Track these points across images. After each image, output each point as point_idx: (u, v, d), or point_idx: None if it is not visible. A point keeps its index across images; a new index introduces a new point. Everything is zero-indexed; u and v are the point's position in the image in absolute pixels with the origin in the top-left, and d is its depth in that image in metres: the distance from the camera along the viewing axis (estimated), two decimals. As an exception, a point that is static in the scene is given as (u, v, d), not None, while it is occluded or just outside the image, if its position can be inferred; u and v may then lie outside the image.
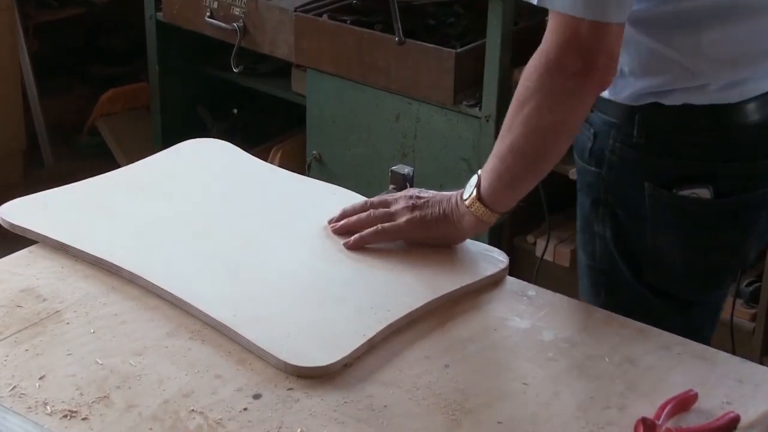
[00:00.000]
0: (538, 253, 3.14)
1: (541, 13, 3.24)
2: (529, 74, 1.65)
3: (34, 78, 4.38)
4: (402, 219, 1.78)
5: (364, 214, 1.81)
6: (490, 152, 3.13)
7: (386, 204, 1.82)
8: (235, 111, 4.22)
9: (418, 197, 1.80)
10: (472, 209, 1.75)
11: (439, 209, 1.78)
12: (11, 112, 4.20)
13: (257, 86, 4.02)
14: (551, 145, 1.69)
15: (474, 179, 1.76)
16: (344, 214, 1.83)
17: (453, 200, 1.78)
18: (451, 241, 1.81)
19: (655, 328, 1.64)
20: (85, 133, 4.51)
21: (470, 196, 1.75)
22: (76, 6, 4.70)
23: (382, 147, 3.41)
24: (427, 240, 1.79)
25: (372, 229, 1.79)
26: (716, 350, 1.60)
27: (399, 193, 1.84)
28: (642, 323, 1.65)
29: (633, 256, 1.87)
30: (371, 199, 1.85)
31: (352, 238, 1.79)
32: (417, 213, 1.78)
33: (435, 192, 1.81)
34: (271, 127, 4.17)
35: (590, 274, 1.94)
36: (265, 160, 3.42)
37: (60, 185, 1.94)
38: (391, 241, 1.79)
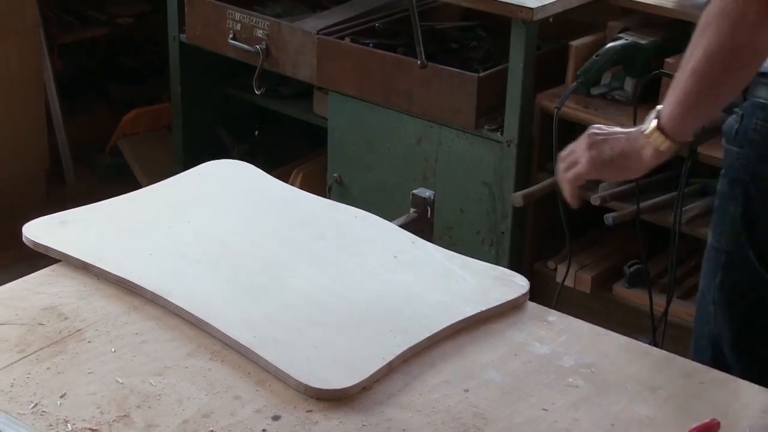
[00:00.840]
0: (559, 278, 3.13)
1: (565, 38, 3.24)
2: (713, 0, 1.65)
3: (58, 98, 4.39)
4: (582, 162, 1.84)
5: (560, 170, 1.89)
6: (512, 177, 3.16)
7: (573, 151, 1.87)
8: (257, 133, 4.22)
9: (596, 134, 1.83)
10: (651, 139, 1.76)
11: (616, 145, 1.81)
12: (35, 131, 4.22)
13: (279, 108, 4.02)
14: (731, 70, 1.68)
15: (653, 113, 1.77)
16: None
17: (632, 135, 1.80)
18: (628, 175, 1.85)
19: (678, 357, 1.64)
20: (107, 153, 4.52)
21: (649, 127, 1.76)
22: (100, 26, 4.72)
23: (403, 170, 3.41)
24: (607, 177, 1.90)
25: (565, 183, 1.88)
26: (739, 379, 1.59)
27: (584, 135, 1.87)
28: (666, 351, 1.65)
29: (759, 237, 1.88)
30: (561, 153, 1.91)
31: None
32: (594, 152, 1.82)
33: (616, 128, 1.84)
34: (293, 150, 4.17)
35: (713, 255, 1.96)
36: (287, 181, 3.42)
37: (82, 204, 1.95)
38: (581, 183, 1.87)
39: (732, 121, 1.91)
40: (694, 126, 1.77)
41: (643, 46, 3.00)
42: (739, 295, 1.84)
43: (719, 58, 1.65)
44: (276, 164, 3.94)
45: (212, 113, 4.20)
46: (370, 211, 1.97)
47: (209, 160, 2.14)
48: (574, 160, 1.85)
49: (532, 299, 1.78)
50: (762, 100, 1.84)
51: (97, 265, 1.76)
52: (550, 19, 3.07)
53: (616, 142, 1.81)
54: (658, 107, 1.75)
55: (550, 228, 3.23)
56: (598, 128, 1.85)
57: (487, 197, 3.24)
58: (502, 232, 3.24)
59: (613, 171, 1.84)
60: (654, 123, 1.75)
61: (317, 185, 3.66)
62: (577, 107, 3.06)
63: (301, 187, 2.10)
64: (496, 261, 3.18)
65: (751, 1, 1.59)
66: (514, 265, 3.18)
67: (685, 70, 1.69)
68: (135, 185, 2.05)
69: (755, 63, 1.68)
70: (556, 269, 3.21)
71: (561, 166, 1.88)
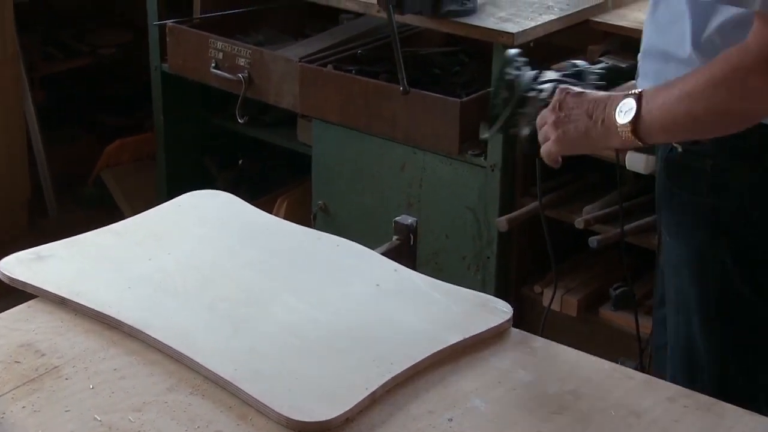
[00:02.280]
0: (545, 303, 3.12)
1: (546, 62, 3.24)
2: (730, 63, 1.63)
3: (41, 129, 4.38)
4: (551, 139, 1.84)
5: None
6: (497, 201, 3.14)
7: (543, 124, 1.87)
8: (241, 162, 4.22)
9: (560, 110, 1.83)
10: (622, 135, 1.74)
11: (581, 125, 1.80)
12: (16, 162, 4.21)
13: (263, 136, 4.02)
14: (730, 125, 1.71)
15: (631, 104, 1.73)
16: None
17: (599, 119, 1.78)
18: (591, 152, 1.93)
19: (661, 381, 1.63)
20: (90, 185, 4.50)
21: (625, 122, 1.73)
22: (82, 57, 4.72)
23: (388, 196, 3.40)
24: (572, 152, 1.86)
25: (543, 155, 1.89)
26: (723, 402, 1.58)
27: (554, 97, 1.85)
28: (648, 375, 1.64)
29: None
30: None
31: None
32: (560, 131, 1.83)
33: (584, 97, 1.82)
34: (278, 178, 4.16)
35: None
36: (272, 209, 3.41)
37: (65, 236, 1.94)
38: (553, 161, 1.89)
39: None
40: (667, 141, 1.85)
41: (623, 69, 2.99)
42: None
43: (721, 117, 1.68)
44: (261, 192, 3.94)
45: (196, 142, 4.20)
46: (355, 238, 1.96)
47: (193, 189, 2.13)
48: (544, 135, 1.85)
49: (518, 324, 1.77)
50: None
51: (75, 299, 1.74)
52: (531, 44, 3.08)
53: (582, 122, 1.80)
54: (640, 99, 1.71)
55: (535, 252, 3.22)
56: (567, 93, 1.83)
57: (472, 222, 3.23)
58: (488, 257, 3.23)
59: (579, 149, 1.85)
60: (629, 123, 1.72)
61: (302, 213, 3.65)
62: (560, 130, 3.05)
63: (286, 215, 2.09)
64: (483, 286, 3.17)
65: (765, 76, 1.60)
66: (501, 290, 3.17)
67: (683, 105, 1.68)
68: (119, 216, 2.04)
69: (741, 127, 1.71)
70: (542, 293, 3.20)
71: (540, 139, 1.88)
